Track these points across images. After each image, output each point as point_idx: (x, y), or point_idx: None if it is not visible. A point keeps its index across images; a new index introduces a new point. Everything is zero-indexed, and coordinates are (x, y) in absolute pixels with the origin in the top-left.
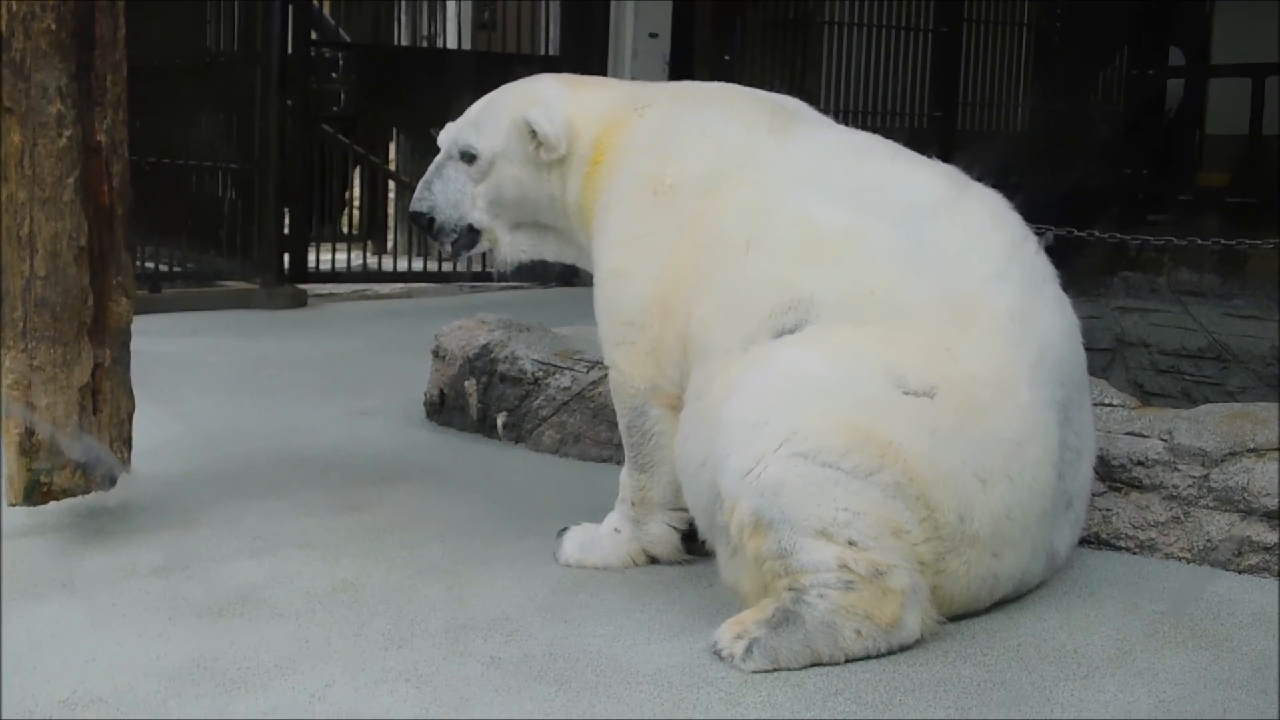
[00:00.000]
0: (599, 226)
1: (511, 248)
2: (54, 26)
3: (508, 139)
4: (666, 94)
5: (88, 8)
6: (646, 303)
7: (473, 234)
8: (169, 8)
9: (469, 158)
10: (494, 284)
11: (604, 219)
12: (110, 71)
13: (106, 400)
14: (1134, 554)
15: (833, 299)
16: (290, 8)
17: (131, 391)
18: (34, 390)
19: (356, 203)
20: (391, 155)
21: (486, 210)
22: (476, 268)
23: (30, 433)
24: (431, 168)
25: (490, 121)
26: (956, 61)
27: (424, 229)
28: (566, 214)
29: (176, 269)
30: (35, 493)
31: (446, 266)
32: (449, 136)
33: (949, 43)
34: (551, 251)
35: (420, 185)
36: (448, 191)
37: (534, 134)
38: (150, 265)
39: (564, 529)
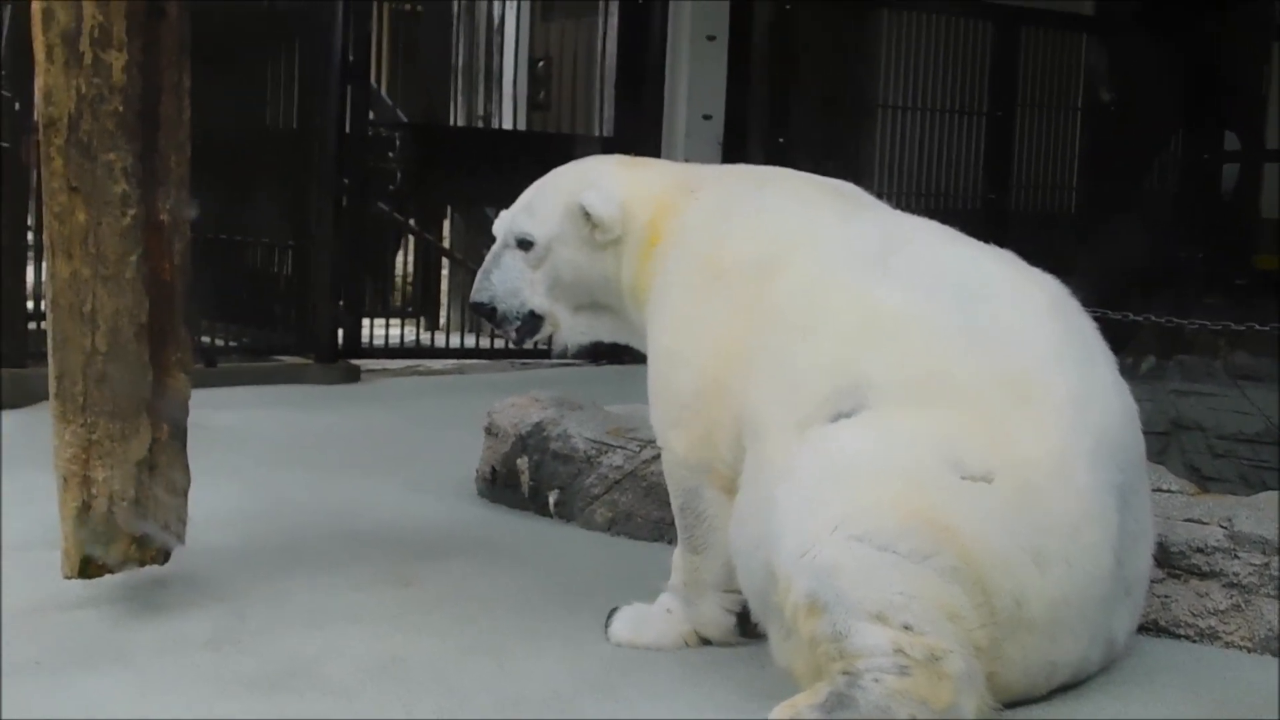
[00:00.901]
0: (654, 307)
1: (571, 330)
2: (121, 109)
3: (562, 223)
4: (721, 176)
5: (154, 90)
6: (701, 384)
7: (534, 320)
8: (231, 86)
9: (525, 244)
10: (546, 361)
11: (659, 300)
12: (174, 151)
13: (163, 474)
14: (1194, 642)
15: (889, 382)
16: (349, 87)
17: (187, 465)
18: (92, 464)
19: (410, 279)
20: (445, 232)
21: (546, 295)
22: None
23: (87, 506)
24: (489, 257)
25: (544, 206)
26: (1010, 144)
27: (486, 318)
28: (621, 295)
29: (232, 343)
30: (90, 566)
31: (499, 343)
32: (504, 225)
33: (1003, 126)
34: (608, 332)
35: (479, 275)
36: (506, 280)
37: (588, 216)
38: (206, 339)
39: (615, 608)
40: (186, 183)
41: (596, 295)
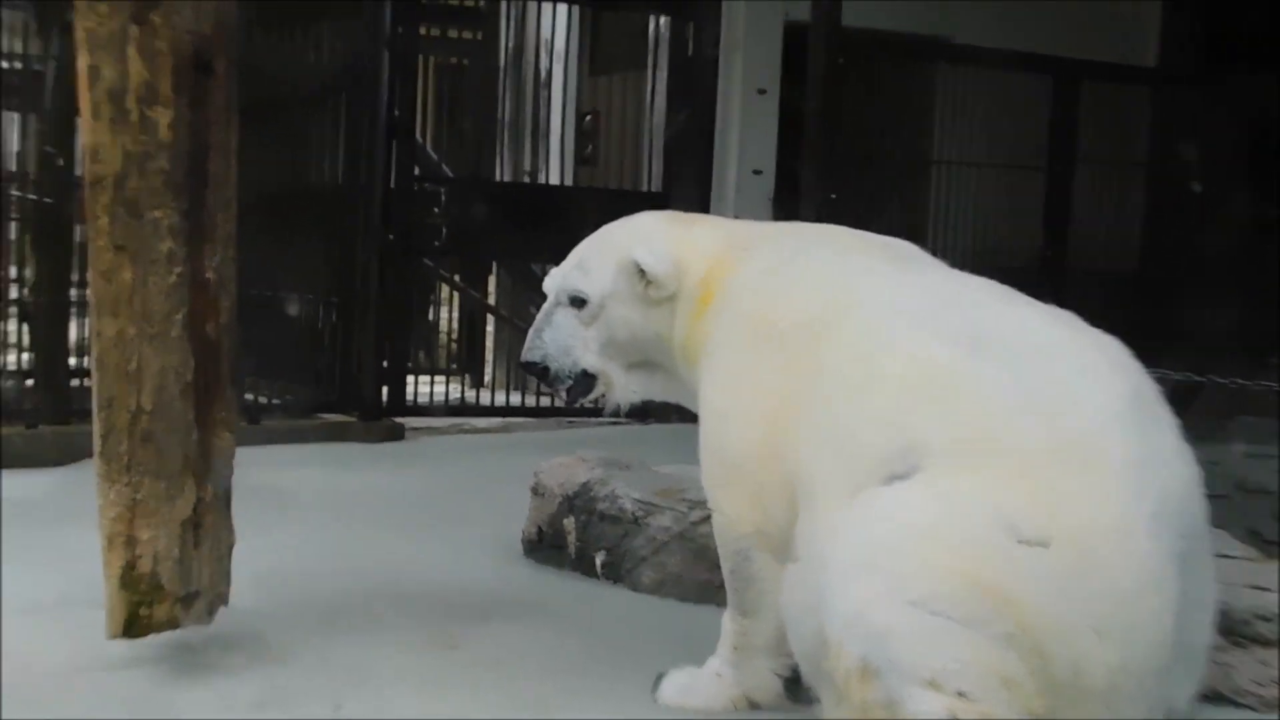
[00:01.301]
0: (705, 366)
1: (624, 389)
2: (168, 167)
3: (616, 280)
4: (773, 233)
5: (201, 147)
6: (752, 445)
7: (588, 379)
8: (277, 143)
9: (578, 302)
10: (593, 420)
11: (710, 359)
12: (221, 209)
13: (208, 533)
14: (1256, 711)
15: (944, 444)
16: (394, 142)
17: (231, 525)
18: (136, 524)
19: (454, 336)
20: (491, 289)
21: (599, 353)
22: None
23: (131, 566)
24: (540, 315)
25: (597, 263)
26: (1069, 201)
27: (539, 378)
28: (673, 353)
29: (276, 401)
30: (135, 626)
31: (545, 401)
32: (555, 282)
33: (1061, 181)
34: (660, 391)
35: (531, 334)
36: (559, 338)
37: (643, 273)
38: (250, 397)
39: (663, 672)
40: (233, 240)
41: (649, 353)
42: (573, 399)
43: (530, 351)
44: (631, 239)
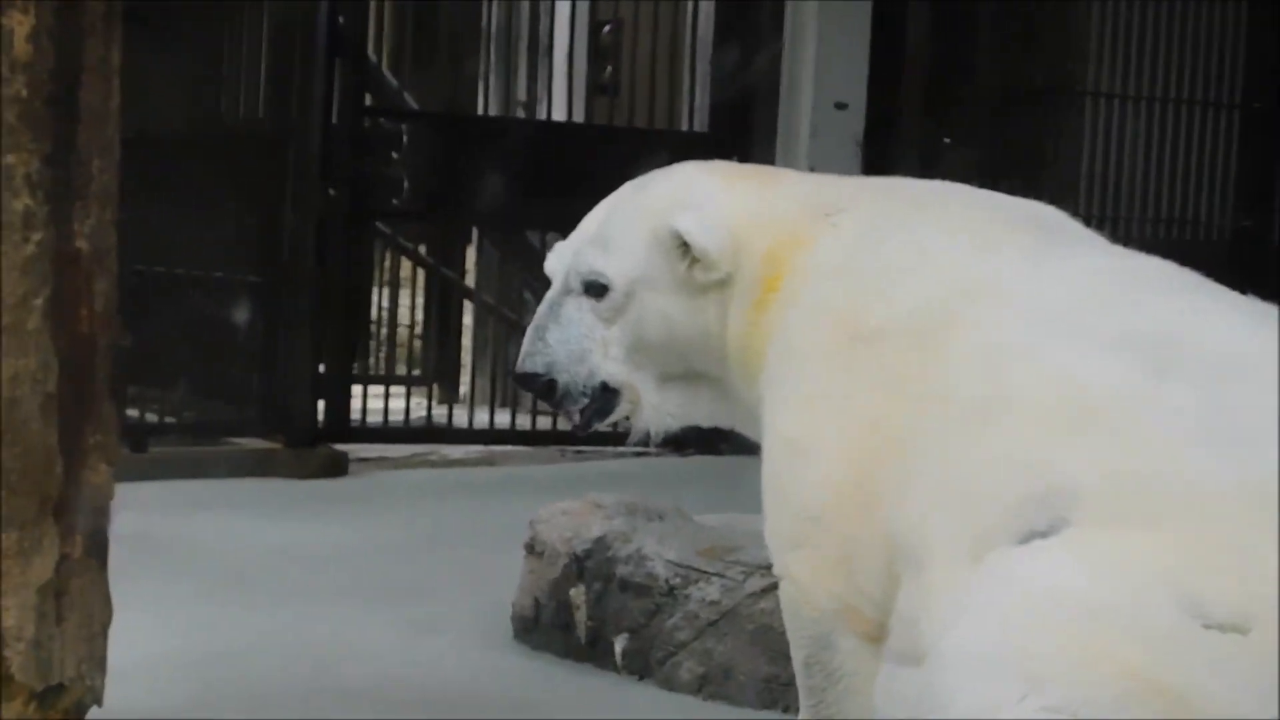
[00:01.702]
0: (772, 378)
1: (657, 410)
2: (25, 93)
3: (650, 258)
4: (868, 196)
5: (72, 68)
6: (837, 490)
7: (608, 395)
8: (176, 65)
9: (596, 289)
10: (610, 449)
11: (779, 369)
12: (98, 154)
13: (75, 604)
14: None
15: (1101, 490)
16: (336, 63)
17: (108, 592)
18: None
19: (419, 330)
20: (470, 266)
21: (625, 360)
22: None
23: None
24: (542, 309)
25: (623, 235)
26: (1274, 150)
27: (540, 396)
28: (724, 357)
29: (171, 420)
30: None
31: (544, 422)
32: (564, 262)
33: (1265, 125)
34: (705, 411)
35: (530, 335)
36: (569, 340)
37: (686, 249)
38: (135, 414)
39: None
40: (114, 198)
41: (692, 360)
42: (587, 423)
43: (530, 359)
44: (668, 200)
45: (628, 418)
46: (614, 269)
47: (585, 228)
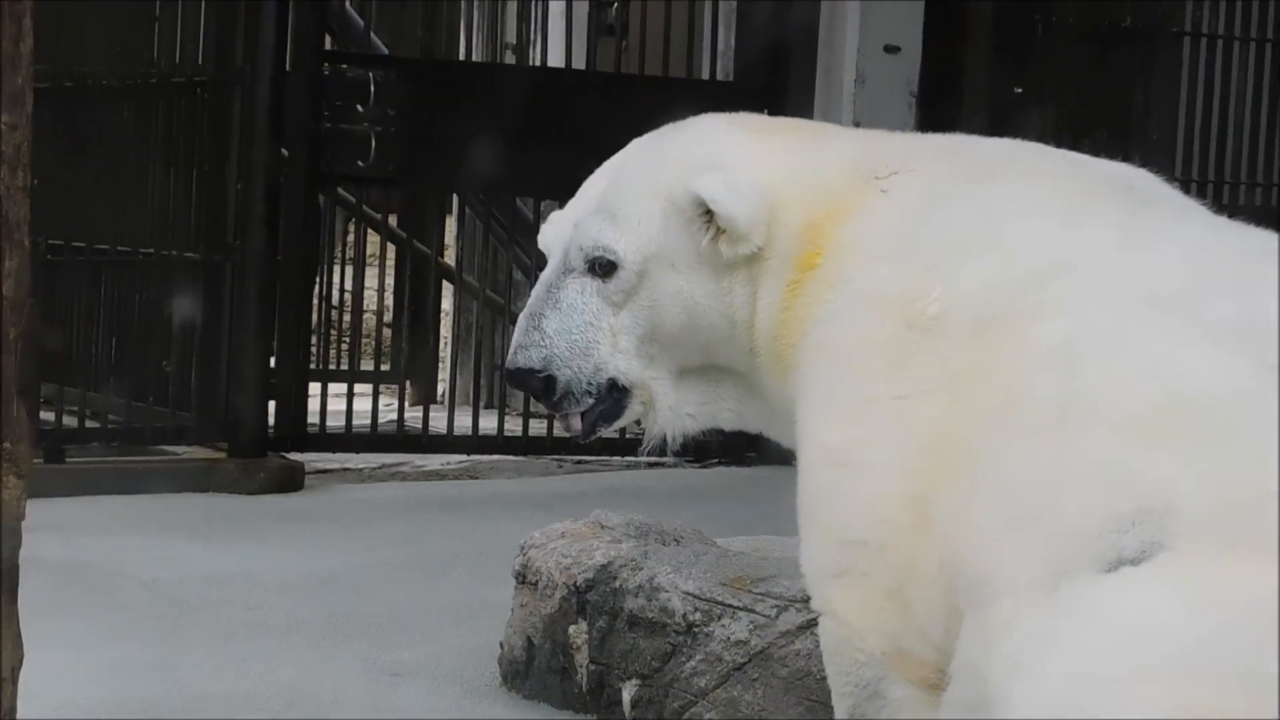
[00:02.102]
0: (809, 377)
1: (674, 412)
2: None
3: (666, 228)
4: (925, 157)
5: None
6: (888, 508)
7: (617, 395)
8: (98, 5)
9: (603, 268)
10: (615, 459)
11: (819, 365)
12: (6, 108)
13: None
14: None
15: (1201, 509)
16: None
17: (18, 630)
18: None
19: (388, 318)
20: (449, 240)
21: (636, 352)
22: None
23: None
24: (538, 292)
25: (633, 202)
26: None
27: (536, 396)
28: (751, 348)
29: (94, 425)
30: None
31: (537, 427)
32: (561, 235)
33: None
34: (729, 412)
35: (522, 325)
36: (571, 329)
37: (710, 216)
38: (49, 418)
39: None
40: (25, 161)
41: (714, 351)
42: (591, 429)
43: (523, 351)
44: (689, 159)
45: (637, 422)
46: (624, 243)
47: (587, 194)
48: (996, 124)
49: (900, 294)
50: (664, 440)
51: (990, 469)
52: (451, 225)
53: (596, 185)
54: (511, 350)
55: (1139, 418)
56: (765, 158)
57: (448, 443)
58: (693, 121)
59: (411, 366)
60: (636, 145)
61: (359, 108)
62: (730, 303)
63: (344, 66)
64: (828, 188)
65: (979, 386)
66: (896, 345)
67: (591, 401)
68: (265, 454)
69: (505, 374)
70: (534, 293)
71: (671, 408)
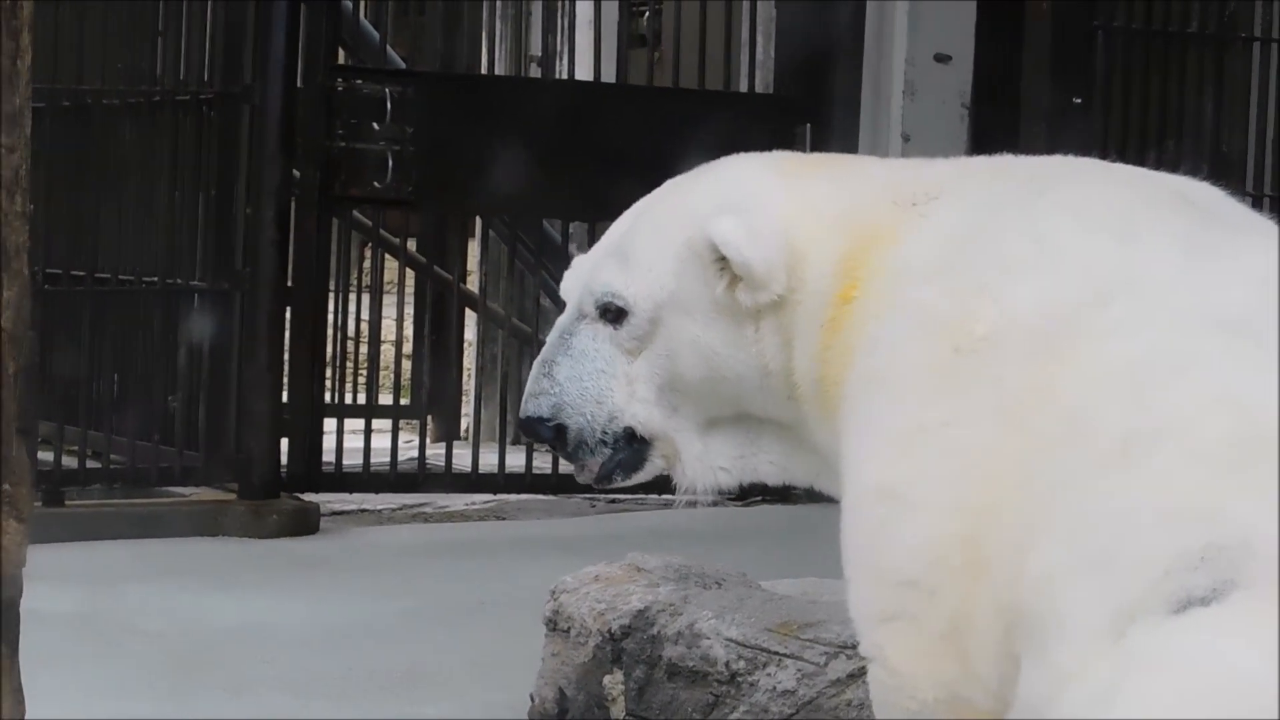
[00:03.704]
0: (853, 409)
1: (704, 464)
2: None
3: (680, 274)
4: (970, 180)
5: None
6: (940, 547)
7: (636, 446)
8: (100, 20)
9: (613, 314)
10: (649, 498)
11: (862, 396)
12: (4, 128)
13: None
14: None
15: (1278, 544)
16: (302, 10)
17: (19, 684)
18: None
19: (408, 349)
20: (471, 265)
21: (656, 401)
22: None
23: None
24: (552, 339)
25: (648, 246)
26: None
27: (552, 446)
28: (792, 395)
29: (96, 465)
30: None
31: (567, 465)
32: (580, 278)
33: None
34: (771, 465)
35: (535, 372)
36: (582, 376)
37: (724, 261)
38: (49, 458)
39: None
40: (25, 184)
41: (746, 402)
42: (607, 478)
43: (532, 401)
44: (710, 202)
45: (665, 472)
46: (634, 288)
47: (609, 237)
48: (1054, 136)
49: (946, 315)
50: (697, 493)
51: (1049, 503)
52: (474, 249)
53: (619, 228)
54: (524, 398)
55: (1210, 448)
56: (794, 198)
57: (472, 481)
58: (722, 162)
59: (433, 400)
60: (664, 186)
61: (375, 125)
62: (758, 352)
63: (359, 81)
64: (864, 220)
65: (1036, 413)
66: (944, 370)
67: (609, 452)
68: (278, 495)
69: (519, 424)
70: (548, 339)
71: (699, 458)
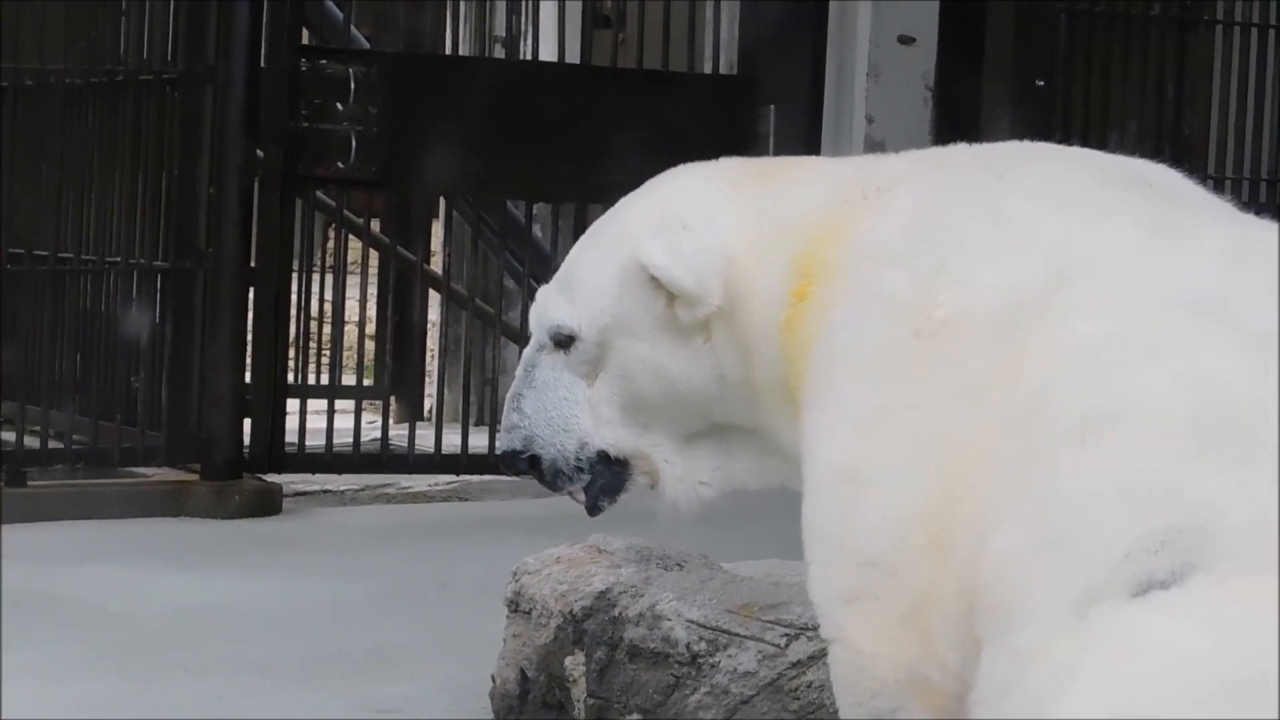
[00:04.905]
0: (814, 392)
1: (685, 482)
2: None
3: (620, 297)
4: (924, 169)
5: None
6: (903, 527)
7: (615, 468)
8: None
9: (565, 341)
10: None
11: (821, 378)
12: None
13: None
14: None
15: (1239, 527)
16: None
17: None
18: None
19: (372, 329)
20: (435, 246)
21: (623, 422)
22: None
23: None
24: (518, 373)
25: (588, 271)
26: None
27: (537, 478)
28: (755, 400)
29: (57, 445)
30: None
31: None
32: (535, 313)
33: None
34: (746, 472)
35: (506, 406)
36: (547, 407)
37: (657, 281)
38: (9, 438)
39: None
40: None
41: (712, 411)
42: (594, 503)
43: (505, 435)
44: (645, 222)
45: (650, 489)
46: (576, 315)
47: (563, 264)
48: (1018, 119)
49: (906, 298)
50: (681, 513)
51: (1011, 484)
52: (438, 230)
53: (570, 254)
54: (500, 431)
55: (1171, 430)
56: (738, 209)
57: (435, 463)
58: (667, 176)
59: (396, 381)
60: (614, 206)
61: (339, 105)
62: (716, 362)
63: (323, 61)
64: (816, 221)
65: (998, 395)
66: (904, 353)
67: (586, 477)
68: (240, 476)
69: (499, 459)
70: (517, 374)
71: (680, 477)
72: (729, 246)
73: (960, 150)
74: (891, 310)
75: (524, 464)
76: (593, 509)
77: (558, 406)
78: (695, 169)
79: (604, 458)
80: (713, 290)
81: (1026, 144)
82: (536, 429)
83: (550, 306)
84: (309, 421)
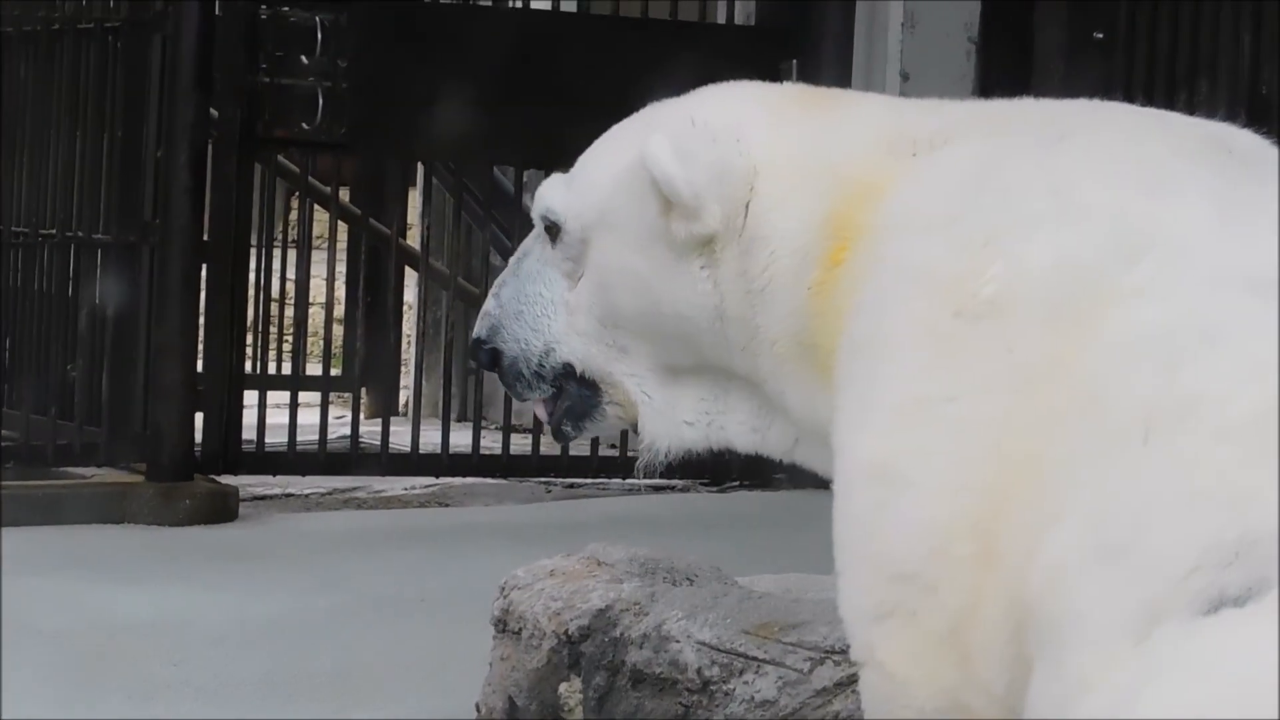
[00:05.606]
0: (845, 380)
1: (664, 417)
2: None
3: (616, 192)
4: (980, 125)
5: None
6: (943, 534)
7: (584, 391)
8: None
9: (552, 231)
10: (613, 481)
11: (854, 364)
12: None
13: None
14: None
15: None
16: None
17: None
18: None
19: (340, 312)
20: (412, 218)
21: (597, 337)
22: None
23: None
24: (513, 257)
25: (596, 162)
26: None
27: (494, 372)
28: (758, 348)
29: None
30: None
31: (519, 443)
32: (538, 192)
33: None
34: (741, 427)
35: (491, 290)
36: (521, 298)
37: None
38: None
39: None
40: None
41: (698, 346)
42: (557, 424)
43: (479, 320)
44: (670, 124)
45: (619, 425)
46: (567, 202)
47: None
48: (1072, 76)
49: (949, 274)
50: (660, 452)
51: (1066, 488)
52: (415, 200)
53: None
54: (478, 319)
55: (1246, 427)
56: (776, 140)
57: (412, 463)
58: (710, 88)
59: (367, 371)
60: (645, 109)
61: (303, 58)
62: (713, 293)
63: (285, 8)
64: (856, 174)
65: (1050, 385)
66: (946, 336)
67: (549, 389)
68: (191, 477)
69: (469, 348)
70: (509, 263)
71: (660, 411)
72: (756, 173)
73: (1028, 104)
74: (931, 286)
75: (486, 356)
76: (557, 433)
77: (532, 301)
78: (744, 86)
79: (570, 372)
80: (710, 207)
81: (1095, 103)
82: (505, 320)
83: (548, 190)
84: (269, 416)
